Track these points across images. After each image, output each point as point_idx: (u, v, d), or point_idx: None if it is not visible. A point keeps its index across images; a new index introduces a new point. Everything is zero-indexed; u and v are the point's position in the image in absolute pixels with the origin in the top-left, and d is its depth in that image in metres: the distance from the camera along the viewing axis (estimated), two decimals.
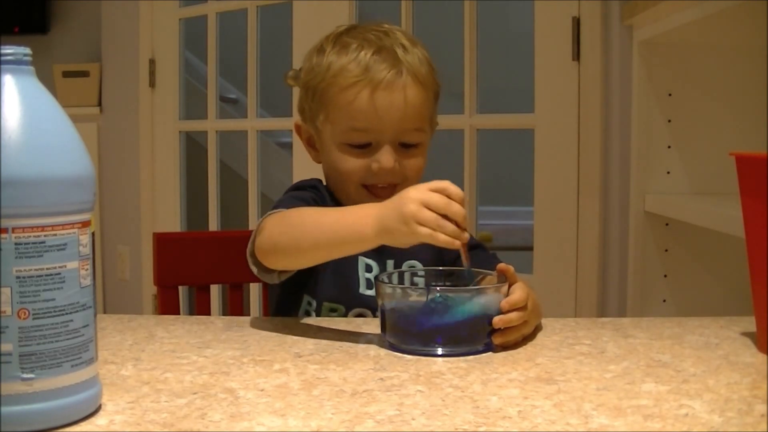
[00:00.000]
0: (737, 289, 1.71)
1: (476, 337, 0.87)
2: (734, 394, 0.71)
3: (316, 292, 1.10)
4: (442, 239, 0.84)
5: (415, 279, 1.02)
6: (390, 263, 1.12)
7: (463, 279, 0.96)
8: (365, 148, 1.09)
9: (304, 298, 1.11)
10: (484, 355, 0.85)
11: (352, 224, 0.90)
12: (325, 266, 1.09)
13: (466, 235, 0.86)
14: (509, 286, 0.90)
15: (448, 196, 0.85)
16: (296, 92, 2.64)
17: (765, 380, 0.76)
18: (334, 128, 1.10)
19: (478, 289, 0.93)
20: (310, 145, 1.17)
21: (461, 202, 0.85)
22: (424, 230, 0.83)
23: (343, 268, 1.10)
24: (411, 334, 0.87)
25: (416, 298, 0.89)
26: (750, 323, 0.92)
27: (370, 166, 1.08)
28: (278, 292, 1.16)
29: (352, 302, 1.09)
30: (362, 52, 1.07)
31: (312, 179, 1.17)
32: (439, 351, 0.85)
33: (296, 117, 1.21)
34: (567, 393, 0.71)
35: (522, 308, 0.88)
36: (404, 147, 1.10)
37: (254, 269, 1.02)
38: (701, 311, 1.82)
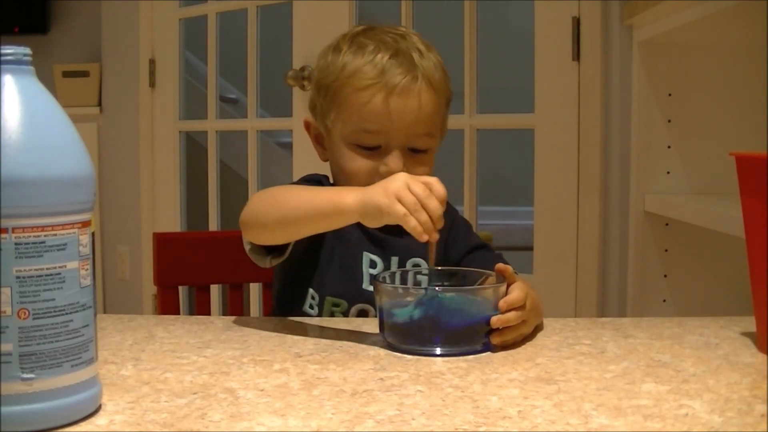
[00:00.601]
0: (737, 289, 1.71)
1: (474, 337, 0.87)
2: (734, 394, 0.71)
3: (320, 287, 1.10)
4: (413, 224, 0.86)
5: (419, 278, 1.02)
6: (394, 260, 1.12)
7: (465, 279, 0.97)
8: (374, 150, 1.09)
9: (308, 292, 1.11)
10: (484, 355, 0.85)
11: (334, 195, 0.94)
12: (330, 261, 1.10)
13: (436, 236, 0.88)
14: (508, 286, 0.90)
15: (431, 191, 0.87)
16: (296, 92, 2.65)
17: (765, 380, 0.76)
18: (344, 127, 1.10)
19: (475, 289, 0.93)
20: (318, 142, 1.18)
21: (441, 202, 0.88)
22: (400, 208, 0.86)
23: (348, 263, 1.10)
24: (409, 334, 0.86)
25: (414, 297, 0.89)
26: (750, 323, 0.92)
27: (378, 168, 1.08)
28: (281, 285, 1.16)
29: (355, 297, 1.09)
30: (379, 55, 1.07)
31: (318, 174, 1.17)
32: (438, 351, 0.85)
33: (301, 115, 1.21)
34: (567, 393, 0.71)
35: (520, 308, 0.88)
36: (413, 152, 1.10)
37: (247, 248, 1.05)
38: (701, 311, 1.82)
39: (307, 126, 1.19)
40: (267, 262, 1.05)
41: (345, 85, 1.09)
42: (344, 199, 0.91)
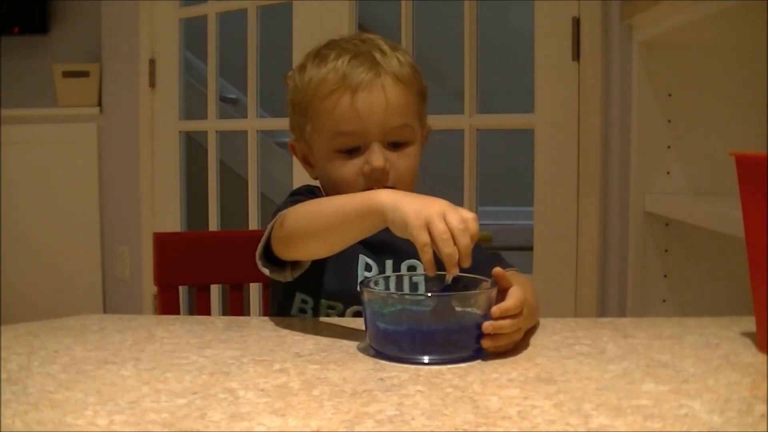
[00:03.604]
0: (737, 289, 1.71)
1: (464, 343, 0.83)
2: (734, 394, 0.71)
3: (314, 290, 1.10)
4: (427, 257, 0.83)
5: (414, 279, 1.02)
6: (389, 263, 1.11)
7: (458, 283, 0.94)
8: (355, 152, 1.09)
9: (296, 296, 1.11)
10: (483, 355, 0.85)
11: (366, 195, 0.91)
12: (324, 264, 1.10)
13: (456, 271, 0.85)
14: (504, 291, 0.87)
15: (466, 226, 0.84)
16: None
17: (765, 380, 0.76)
18: (321, 137, 1.11)
19: (463, 294, 0.88)
20: (306, 162, 1.19)
21: (472, 239, 0.84)
22: (424, 237, 0.83)
23: (343, 266, 1.10)
24: (393, 341, 0.84)
25: (398, 303, 0.86)
26: (750, 323, 0.92)
27: (363, 169, 1.08)
28: (275, 291, 1.16)
29: (349, 300, 1.09)
30: (339, 60, 1.09)
31: (308, 185, 1.18)
32: (426, 360, 0.82)
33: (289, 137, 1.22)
34: (567, 393, 0.71)
35: (515, 315, 0.85)
36: (394, 146, 1.10)
37: (266, 271, 1.03)
38: (701, 311, 1.82)
39: (293, 148, 1.21)
40: (288, 276, 1.03)
41: (313, 97, 1.10)
42: (377, 197, 0.89)
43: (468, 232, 0.84)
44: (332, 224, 0.93)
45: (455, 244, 0.83)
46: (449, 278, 0.87)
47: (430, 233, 0.83)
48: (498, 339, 0.84)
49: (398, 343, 0.84)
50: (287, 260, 1.02)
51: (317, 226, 0.95)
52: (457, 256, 0.83)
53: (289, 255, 1.00)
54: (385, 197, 0.89)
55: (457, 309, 0.85)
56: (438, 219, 0.83)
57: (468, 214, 0.86)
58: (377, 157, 1.07)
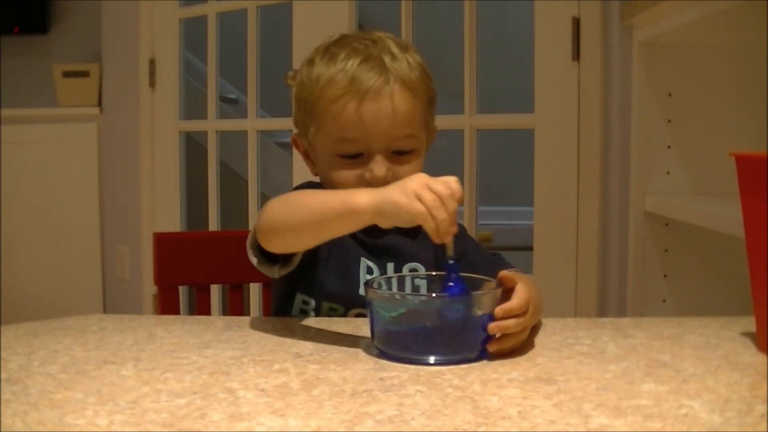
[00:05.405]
0: (737, 289, 1.71)
1: (469, 344, 0.83)
2: (734, 394, 0.71)
3: (316, 292, 1.10)
4: (432, 224, 0.84)
5: (417, 282, 1.02)
6: (390, 266, 1.11)
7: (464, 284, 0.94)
8: (357, 158, 1.08)
9: (297, 297, 1.11)
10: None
11: (346, 196, 0.91)
12: (327, 267, 1.09)
13: (455, 229, 0.86)
14: (509, 291, 0.87)
15: (451, 191, 0.85)
16: None
17: (765, 380, 0.76)
18: (325, 140, 1.10)
19: (468, 295, 0.88)
20: (308, 157, 1.18)
21: (458, 201, 0.86)
22: (419, 207, 0.84)
23: (345, 269, 1.10)
24: (398, 342, 0.84)
25: (402, 304, 0.86)
26: (750, 323, 0.92)
27: (364, 176, 1.08)
28: (279, 292, 1.16)
29: (351, 303, 1.09)
30: (349, 62, 1.07)
31: (310, 182, 1.17)
32: (431, 360, 0.82)
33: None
34: (567, 393, 0.71)
35: (520, 315, 0.85)
36: (398, 154, 1.09)
37: (254, 261, 1.03)
38: (701, 311, 1.82)
39: (295, 142, 1.20)
40: (275, 273, 1.03)
41: (320, 98, 1.09)
42: (357, 199, 0.89)
43: (454, 196, 0.85)
44: (309, 221, 0.94)
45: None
46: (450, 251, 0.88)
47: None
48: (504, 340, 0.85)
49: (403, 343, 0.84)
50: (275, 254, 1.02)
51: (294, 221, 0.95)
52: (450, 221, 0.84)
53: (266, 245, 1.00)
54: (365, 197, 0.88)
55: (462, 310, 0.85)
56: (424, 189, 0.85)
57: (449, 178, 0.87)
58: (380, 167, 1.07)
